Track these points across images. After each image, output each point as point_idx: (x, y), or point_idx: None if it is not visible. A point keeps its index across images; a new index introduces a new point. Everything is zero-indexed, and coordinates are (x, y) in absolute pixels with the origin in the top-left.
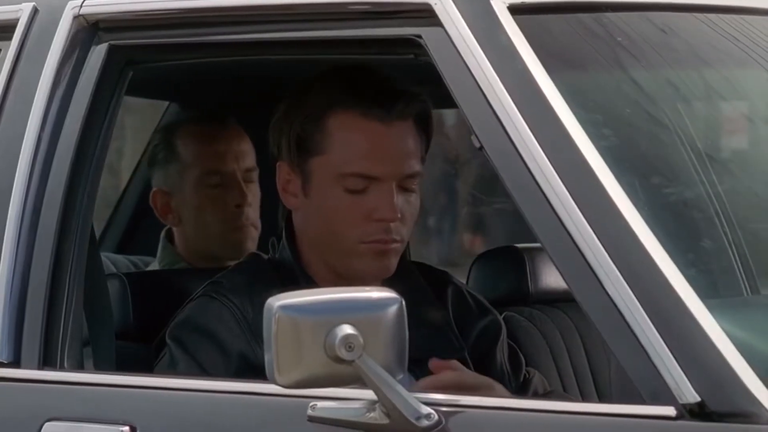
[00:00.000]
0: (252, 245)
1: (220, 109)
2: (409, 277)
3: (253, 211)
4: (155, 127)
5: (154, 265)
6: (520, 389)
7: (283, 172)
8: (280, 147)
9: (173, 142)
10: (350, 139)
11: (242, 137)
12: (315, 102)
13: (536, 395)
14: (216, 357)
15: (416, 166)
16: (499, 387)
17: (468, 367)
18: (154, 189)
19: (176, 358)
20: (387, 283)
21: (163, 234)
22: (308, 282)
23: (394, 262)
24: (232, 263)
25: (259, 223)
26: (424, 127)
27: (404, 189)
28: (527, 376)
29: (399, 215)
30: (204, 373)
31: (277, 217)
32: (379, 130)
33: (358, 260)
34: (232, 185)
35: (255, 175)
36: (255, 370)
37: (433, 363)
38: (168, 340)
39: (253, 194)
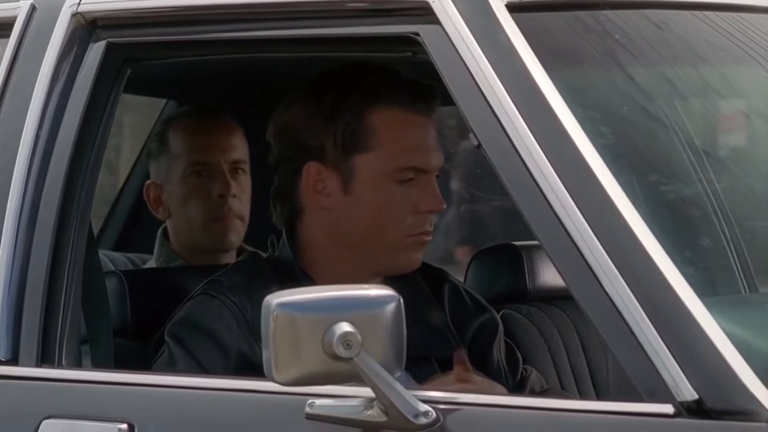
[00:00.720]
0: (236, 237)
1: (217, 105)
2: (407, 275)
3: (238, 203)
4: (154, 122)
5: (152, 263)
6: (517, 387)
7: (312, 173)
8: (307, 148)
9: (166, 134)
10: (400, 135)
11: (232, 131)
12: (355, 100)
13: (534, 393)
14: (215, 355)
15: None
16: (499, 389)
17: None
18: (147, 182)
19: (175, 356)
20: (385, 280)
21: (160, 231)
22: (307, 280)
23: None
24: (228, 259)
25: (245, 216)
26: None
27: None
28: (524, 373)
29: (444, 205)
30: (202, 371)
31: (269, 214)
32: (424, 124)
33: (403, 253)
34: (216, 176)
35: (245, 167)
36: (254, 368)
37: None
38: (167, 338)
39: (241, 187)
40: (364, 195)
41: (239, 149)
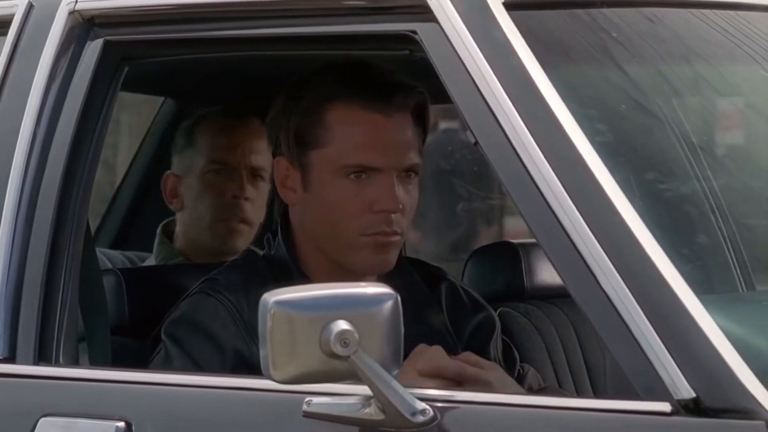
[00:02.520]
0: (241, 242)
1: (249, 108)
2: (404, 273)
3: (250, 207)
4: (151, 121)
5: (150, 261)
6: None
7: (281, 167)
8: (279, 142)
9: (194, 130)
10: (351, 132)
11: (260, 136)
12: (313, 96)
13: (531, 391)
14: (211, 354)
15: (415, 158)
16: (500, 374)
17: None
18: (167, 172)
19: (171, 355)
20: (382, 278)
21: (159, 229)
22: (303, 278)
23: (394, 256)
24: (227, 258)
25: (255, 222)
26: (422, 120)
27: (404, 181)
28: (521, 371)
29: (400, 206)
30: (199, 369)
31: (273, 213)
32: (379, 122)
33: (359, 253)
34: (233, 177)
35: (264, 175)
36: (250, 367)
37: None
38: (163, 337)
39: (258, 192)
40: (320, 191)
41: (263, 155)
